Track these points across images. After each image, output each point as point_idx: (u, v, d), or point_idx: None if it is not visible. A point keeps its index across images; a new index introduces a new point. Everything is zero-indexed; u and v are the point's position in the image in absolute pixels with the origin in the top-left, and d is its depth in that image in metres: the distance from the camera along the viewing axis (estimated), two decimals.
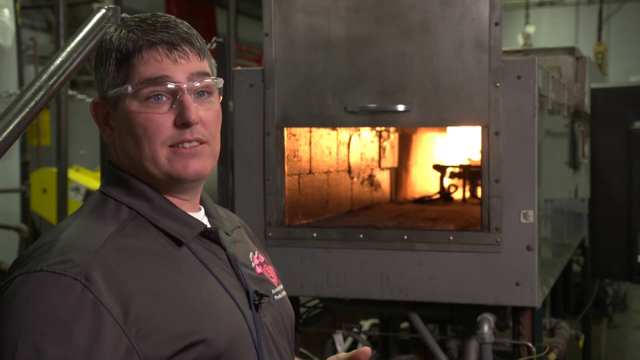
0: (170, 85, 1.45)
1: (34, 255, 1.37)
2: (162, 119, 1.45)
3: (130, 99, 1.46)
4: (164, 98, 1.45)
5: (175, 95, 1.46)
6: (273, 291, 1.62)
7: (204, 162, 1.49)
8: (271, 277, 1.65)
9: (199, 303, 1.41)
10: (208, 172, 1.51)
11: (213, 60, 1.57)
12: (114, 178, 1.52)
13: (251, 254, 1.64)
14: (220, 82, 1.55)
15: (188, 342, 1.36)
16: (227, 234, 1.57)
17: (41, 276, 1.32)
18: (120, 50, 1.47)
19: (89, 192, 5.85)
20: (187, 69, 1.47)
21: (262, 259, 1.67)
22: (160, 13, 1.54)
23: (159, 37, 1.46)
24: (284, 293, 1.66)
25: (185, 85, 1.46)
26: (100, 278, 1.33)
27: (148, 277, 1.38)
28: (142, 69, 1.45)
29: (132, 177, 1.50)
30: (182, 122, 1.45)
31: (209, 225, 1.55)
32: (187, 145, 1.46)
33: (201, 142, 1.48)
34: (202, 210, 1.59)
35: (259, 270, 1.62)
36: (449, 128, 4.00)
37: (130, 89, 1.45)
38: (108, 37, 1.51)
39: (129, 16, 1.56)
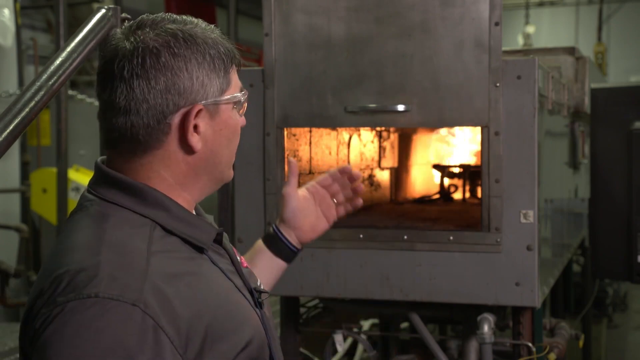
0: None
1: (80, 281, 1.27)
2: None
3: (230, 105, 1.48)
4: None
5: None
6: (258, 283, 1.63)
7: None
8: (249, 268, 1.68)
9: (233, 309, 1.43)
10: None
11: None
12: (121, 185, 1.42)
13: (231, 246, 1.64)
14: None
15: (237, 350, 1.38)
16: (222, 229, 1.57)
17: (99, 302, 1.25)
18: (226, 55, 1.47)
19: None
20: None
21: (235, 249, 1.67)
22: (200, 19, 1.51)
23: (233, 45, 1.51)
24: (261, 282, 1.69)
25: None
26: (154, 301, 1.28)
27: (188, 293, 1.34)
28: (235, 78, 1.50)
29: (144, 184, 1.43)
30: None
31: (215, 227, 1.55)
32: None
33: None
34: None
35: (244, 263, 1.63)
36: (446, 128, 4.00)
37: (242, 97, 1.50)
38: (201, 40, 1.43)
39: (181, 17, 1.48)
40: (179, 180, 1.45)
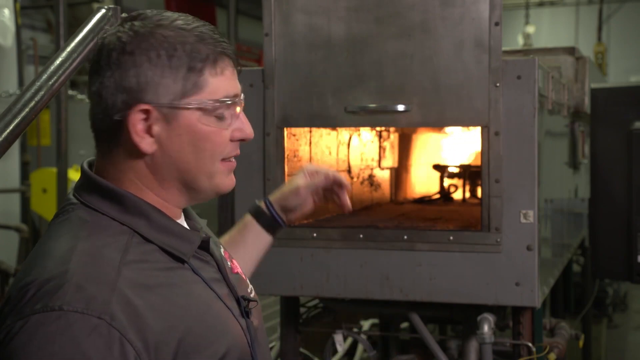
0: (239, 101, 1.44)
1: (46, 291, 1.25)
2: (226, 134, 1.43)
3: (199, 112, 1.39)
4: (227, 113, 1.43)
5: (231, 110, 1.44)
6: (248, 289, 1.59)
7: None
8: (242, 273, 1.63)
9: (210, 321, 1.38)
10: None
11: None
12: (102, 191, 1.40)
13: (222, 250, 1.60)
14: None
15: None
16: (207, 235, 1.53)
17: (63, 316, 1.22)
18: (192, 56, 1.37)
19: None
20: (238, 83, 1.47)
21: (227, 253, 1.63)
22: (190, 15, 1.46)
23: (225, 47, 1.41)
24: (252, 287, 1.64)
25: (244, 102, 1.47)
26: (121, 313, 1.25)
27: (160, 304, 1.31)
28: (216, 81, 1.40)
29: (126, 191, 1.39)
30: (242, 138, 1.46)
31: (201, 235, 1.50)
32: (231, 161, 1.47)
33: None
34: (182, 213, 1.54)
35: (235, 269, 1.59)
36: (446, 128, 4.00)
37: (208, 103, 1.38)
38: (161, 37, 1.37)
39: (164, 13, 1.42)
40: (145, 183, 1.41)
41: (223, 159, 1.45)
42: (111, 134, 1.40)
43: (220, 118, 1.42)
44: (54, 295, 1.24)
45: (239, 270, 1.62)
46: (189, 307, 1.36)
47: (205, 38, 1.40)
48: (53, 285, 1.25)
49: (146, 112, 1.37)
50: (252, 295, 1.59)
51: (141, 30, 1.37)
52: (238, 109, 1.45)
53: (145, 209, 1.39)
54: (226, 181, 1.47)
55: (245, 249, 1.90)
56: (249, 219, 1.95)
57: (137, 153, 1.39)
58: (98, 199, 1.39)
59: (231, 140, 1.45)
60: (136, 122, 1.37)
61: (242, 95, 1.47)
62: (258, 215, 1.95)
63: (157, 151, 1.39)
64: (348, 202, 2.01)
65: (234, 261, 1.63)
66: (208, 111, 1.40)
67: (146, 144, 1.38)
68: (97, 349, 1.22)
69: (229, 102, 1.42)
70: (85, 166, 1.45)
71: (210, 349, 1.35)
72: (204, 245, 1.48)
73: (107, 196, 1.39)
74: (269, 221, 1.96)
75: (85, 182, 1.42)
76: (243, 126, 1.46)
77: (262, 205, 1.96)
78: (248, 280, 1.65)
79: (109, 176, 1.42)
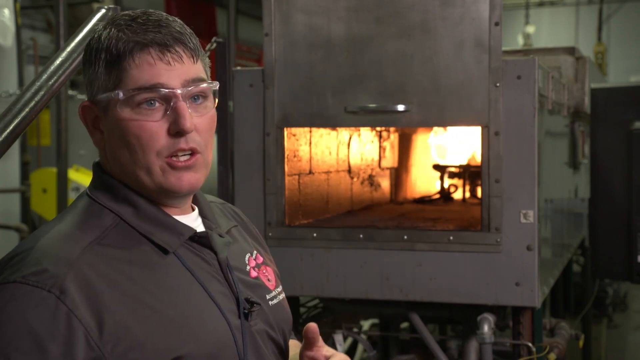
0: (164, 92, 1.38)
1: (10, 265, 1.33)
2: (156, 127, 1.38)
3: (122, 105, 1.38)
4: (157, 104, 1.38)
5: (169, 101, 1.39)
6: (267, 296, 1.55)
7: (198, 175, 1.43)
8: (268, 280, 1.59)
9: (180, 315, 1.36)
10: (201, 183, 1.46)
11: (207, 60, 1.50)
12: (100, 182, 1.46)
13: (247, 256, 1.58)
14: (216, 85, 1.47)
15: (170, 356, 1.32)
16: (220, 235, 1.51)
17: (14, 287, 1.28)
18: (110, 51, 1.38)
19: None
20: (182, 74, 1.40)
21: (261, 259, 1.61)
22: (152, 10, 1.46)
23: (150, 38, 1.38)
24: (281, 296, 1.60)
25: (179, 92, 1.39)
26: (75, 290, 1.28)
27: (127, 290, 1.32)
28: (135, 73, 1.38)
29: (118, 182, 1.44)
30: (177, 131, 1.38)
31: (200, 229, 1.49)
32: (181, 157, 1.40)
33: (194, 153, 1.41)
34: (196, 211, 1.53)
35: (254, 273, 1.56)
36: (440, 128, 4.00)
37: (121, 94, 1.38)
38: (96, 36, 1.42)
39: (118, 13, 1.48)
40: (121, 178, 1.45)
41: (167, 156, 1.40)
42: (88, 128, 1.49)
43: (148, 110, 1.38)
44: (14, 268, 1.31)
45: (266, 276, 1.59)
46: (161, 295, 1.36)
47: (134, 31, 1.39)
48: (17, 259, 1.33)
49: (89, 108, 1.45)
50: (273, 302, 1.55)
51: (96, 33, 1.44)
52: (175, 100, 1.39)
53: (134, 199, 1.43)
54: (172, 179, 1.41)
55: None
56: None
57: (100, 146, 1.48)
58: (98, 190, 1.46)
59: (169, 134, 1.39)
60: (85, 117, 1.46)
61: (184, 89, 1.40)
62: None
63: (105, 147, 1.46)
64: None
65: (267, 268, 1.60)
66: (127, 103, 1.38)
67: (96, 140, 1.47)
68: (41, 321, 1.25)
69: (145, 89, 1.38)
70: (95, 161, 1.52)
71: (172, 341, 1.33)
72: (204, 242, 1.47)
73: (103, 186, 1.46)
74: None
75: (93, 175, 1.50)
76: (178, 119, 1.38)
77: None
78: (274, 289, 1.59)
79: (107, 170, 1.48)
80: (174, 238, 1.43)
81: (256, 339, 1.47)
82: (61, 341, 1.25)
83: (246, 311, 1.46)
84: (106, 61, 1.40)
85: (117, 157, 1.43)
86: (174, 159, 1.40)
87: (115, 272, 1.33)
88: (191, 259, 1.44)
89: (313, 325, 1.49)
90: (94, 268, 1.32)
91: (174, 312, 1.36)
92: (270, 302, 1.55)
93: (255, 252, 1.62)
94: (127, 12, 1.46)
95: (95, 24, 2.17)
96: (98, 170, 1.49)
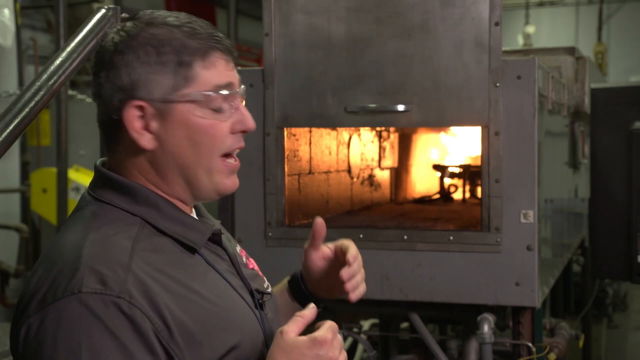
0: (237, 92, 1.44)
1: (58, 281, 1.28)
2: (225, 127, 1.44)
3: (194, 105, 1.40)
4: (226, 105, 1.43)
5: (232, 102, 1.44)
6: (264, 285, 1.61)
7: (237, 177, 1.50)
8: (258, 270, 1.65)
9: (224, 311, 1.40)
10: None
11: None
12: (114, 185, 1.43)
13: (238, 248, 1.62)
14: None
15: (225, 350, 1.36)
16: (220, 230, 1.55)
17: (82, 298, 1.25)
18: (177, 51, 1.39)
19: None
20: (238, 77, 1.47)
21: (244, 252, 1.65)
22: (184, 13, 1.48)
23: (216, 40, 1.43)
24: (269, 284, 1.65)
25: (243, 93, 1.47)
26: (137, 293, 1.28)
27: (175, 290, 1.33)
28: (206, 74, 1.41)
29: (137, 183, 1.43)
30: (243, 129, 1.45)
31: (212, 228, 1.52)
32: (232, 161, 1.47)
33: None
34: (194, 211, 1.56)
35: (250, 265, 1.61)
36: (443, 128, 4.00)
37: (199, 95, 1.40)
38: (147, 35, 1.40)
39: (154, 13, 1.45)
40: (149, 179, 1.44)
41: (225, 156, 1.46)
42: (112, 133, 1.44)
43: (218, 110, 1.43)
44: (71, 281, 1.27)
45: (256, 267, 1.64)
46: (204, 292, 1.38)
47: (196, 33, 1.42)
48: (67, 272, 1.28)
49: (141, 108, 1.40)
50: (269, 290, 1.60)
51: (132, 30, 1.41)
52: (238, 100, 1.47)
53: (155, 200, 1.42)
54: (227, 182, 1.47)
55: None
56: (284, 283, 1.80)
57: (137, 150, 1.42)
58: (110, 192, 1.42)
59: (232, 133, 1.45)
60: (132, 119, 1.40)
61: (243, 87, 1.48)
62: (292, 282, 1.79)
63: (157, 147, 1.41)
64: (353, 291, 1.69)
65: (251, 259, 1.65)
66: (201, 103, 1.41)
67: (146, 141, 1.41)
68: (121, 327, 1.24)
69: (223, 93, 1.43)
70: (98, 164, 1.49)
71: (218, 339, 1.37)
72: (216, 239, 1.50)
73: (118, 189, 1.42)
74: (298, 289, 1.77)
75: (98, 178, 1.46)
76: (243, 118, 1.45)
77: (298, 273, 1.79)
78: (265, 278, 1.66)
79: (117, 173, 1.45)
80: (198, 236, 1.45)
81: (272, 328, 1.52)
82: (144, 345, 1.26)
83: (260, 302, 1.52)
84: (175, 61, 1.39)
85: (175, 158, 1.42)
86: (229, 161, 1.46)
87: (160, 274, 1.34)
88: (210, 257, 1.47)
89: (320, 220, 1.65)
90: (144, 271, 1.32)
91: (218, 309, 1.39)
92: (267, 290, 1.60)
93: (238, 245, 1.66)
94: (165, 12, 1.46)
95: (96, 24, 2.17)
96: (107, 172, 1.45)
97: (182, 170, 1.43)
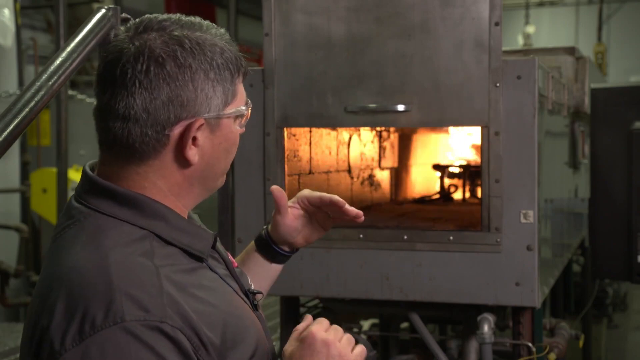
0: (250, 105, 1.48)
1: (96, 309, 1.22)
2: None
3: (234, 119, 1.43)
4: None
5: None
6: (250, 283, 1.60)
7: None
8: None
9: (239, 318, 1.41)
10: None
11: None
12: (116, 197, 1.36)
13: (222, 247, 1.60)
14: None
15: (248, 356, 1.38)
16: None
17: (128, 327, 1.21)
18: (232, 67, 1.40)
19: None
20: None
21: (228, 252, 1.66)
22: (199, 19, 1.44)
23: (242, 54, 1.45)
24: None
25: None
26: (175, 314, 1.26)
27: (198, 306, 1.31)
28: (241, 88, 1.44)
29: (142, 195, 1.37)
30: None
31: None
32: None
33: None
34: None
35: (234, 263, 1.59)
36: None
37: (243, 109, 1.43)
38: (210, 48, 1.37)
39: (191, 18, 1.41)
40: (173, 191, 1.40)
41: None
42: (150, 147, 1.36)
43: (240, 122, 1.46)
44: (110, 310, 1.22)
45: (238, 265, 1.64)
46: (219, 303, 1.37)
47: (232, 45, 1.43)
48: (101, 300, 1.23)
49: (199, 125, 1.36)
50: (253, 287, 1.60)
51: (183, 41, 1.35)
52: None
53: (163, 212, 1.38)
54: (224, 177, 1.51)
55: (252, 277, 1.78)
56: (252, 246, 1.84)
57: (175, 164, 1.38)
58: (112, 204, 1.36)
59: None
60: (189, 136, 1.36)
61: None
62: (259, 244, 1.82)
63: (198, 161, 1.39)
64: (355, 211, 1.75)
65: (229, 254, 1.63)
66: (240, 117, 1.44)
67: (192, 155, 1.37)
68: (168, 351, 1.22)
69: (249, 106, 1.47)
70: (89, 170, 1.42)
71: (244, 344, 1.38)
72: (213, 243, 1.49)
73: (121, 201, 1.36)
74: (268, 250, 1.80)
75: (92, 187, 1.39)
76: (243, 127, 1.49)
77: (262, 233, 1.82)
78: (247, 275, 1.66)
79: (128, 184, 1.38)
80: (203, 245, 1.43)
81: (266, 327, 1.53)
82: None
83: (255, 302, 1.53)
84: (227, 78, 1.40)
85: (211, 169, 1.42)
86: None
87: (183, 292, 1.31)
88: (212, 262, 1.46)
89: (276, 188, 1.76)
90: (173, 290, 1.29)
91: (235, 319, 1.39)
92: (256, 289, 1.59)
93: None
94: (195, 18, 1.42)
95: (96, 24, 2.17)
96: (105, 183, 1.38)
97: (206, 180, 1.43)
